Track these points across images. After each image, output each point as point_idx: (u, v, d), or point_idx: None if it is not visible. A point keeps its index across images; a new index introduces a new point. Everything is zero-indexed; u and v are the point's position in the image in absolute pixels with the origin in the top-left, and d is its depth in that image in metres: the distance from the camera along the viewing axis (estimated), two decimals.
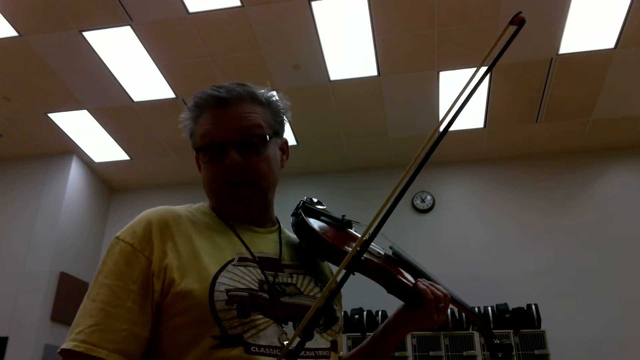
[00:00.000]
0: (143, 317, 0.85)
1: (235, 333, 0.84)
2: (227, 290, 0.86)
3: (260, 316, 0.87)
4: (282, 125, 1.07)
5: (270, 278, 0.94)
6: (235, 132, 0.97)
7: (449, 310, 5.35)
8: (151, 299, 0.86)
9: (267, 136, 1.00)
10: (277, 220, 1.10)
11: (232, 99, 0.99)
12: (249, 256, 0.95)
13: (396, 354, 5.20)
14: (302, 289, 0.98)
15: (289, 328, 0.90)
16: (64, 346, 0.82)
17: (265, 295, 0.90)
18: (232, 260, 0.92)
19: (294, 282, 0.97)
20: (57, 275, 5.99)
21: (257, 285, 0.91)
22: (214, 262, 0.90)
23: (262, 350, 0.85)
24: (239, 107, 0.99)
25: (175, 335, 0.85)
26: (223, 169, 0.96)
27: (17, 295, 5.81)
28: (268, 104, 1.03)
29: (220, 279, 0.87)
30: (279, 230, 1.08)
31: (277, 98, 1.07)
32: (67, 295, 6.01)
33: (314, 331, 0.94)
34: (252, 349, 0.84)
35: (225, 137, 0.96)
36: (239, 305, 0.86)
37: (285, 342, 0.87)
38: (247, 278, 0.91)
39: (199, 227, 0.96)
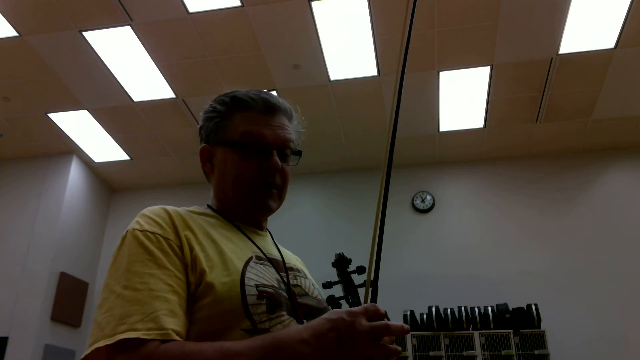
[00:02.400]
0: (186, 308, 0.82)
1: (263, 328, 0.84)
2: (257, 286, 0.87)
3: (284, 313, 0.89)
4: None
5: (285, 279, 0.97)
6: (280, 139, 1.02)
7: (449, 310, 5.32)
8: (188, 290, 0.84)
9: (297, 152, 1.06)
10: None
11: (281, 109, 1.04)
12: (263, 256, 0.97)
13: None
14: (306, 290, 1.01)
15: None
16: (124, 336, 0.74)
17: (284, 294, 0.92)
18: (252, 258, 0.93)
19: (299, 283, 1.01)
20: (57, 275, 5.98)
21: (276, 284, 0.93)
22: (237, 258, 0.90)
23: None
24: (282, 118, 1.05)
25: (202, 327, 0.83)
26: (260, 169, 0.99)
27: (17, 295, 5.80)
28: (296, 125, 1.10)
29: (247, 274, 0.88)
30: (271, 234, 1.11)
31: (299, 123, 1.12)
32: (67, 295, 6.01)
33: None
34: None
35: (273, 142, 1.00)
36: (268, 301, 0.87)
37: None
38: (268, 276, 0.92)
39: (209, 225, 0.96)
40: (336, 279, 1.02)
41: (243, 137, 0.99)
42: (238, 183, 0.99)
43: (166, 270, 0.82)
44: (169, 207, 0.94)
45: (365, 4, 4.35)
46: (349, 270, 1.04)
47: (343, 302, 0.97)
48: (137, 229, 0.87)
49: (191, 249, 0.87)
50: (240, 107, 1.02)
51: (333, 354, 0.74)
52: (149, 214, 0.90)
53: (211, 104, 1.06)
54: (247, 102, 1.02)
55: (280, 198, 1.04)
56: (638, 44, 4.71)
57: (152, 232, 0.86)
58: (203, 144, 1.04)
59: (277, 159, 1.00)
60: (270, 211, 1.03)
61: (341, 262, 1.04)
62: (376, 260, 0.87)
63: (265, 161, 0.99)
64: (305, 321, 0.92)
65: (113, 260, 0.86)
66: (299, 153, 1.07)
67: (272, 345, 0.75)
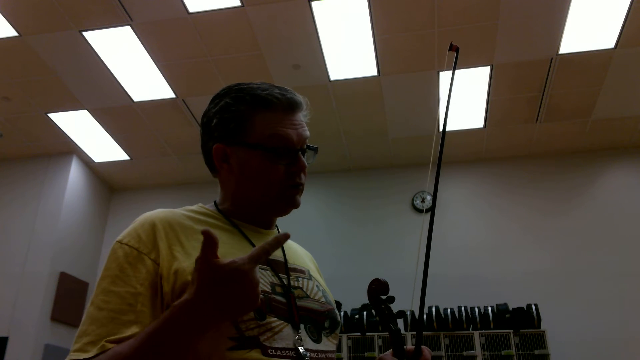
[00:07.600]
0: (152, 320, 0.82)
1: (251, 335, 0.83)
2: None
3: (275, 319, 0.87)
4: None
5: (285, 281, 0.95)
6: (302, 139, 1.00)
7: (449, 310, 5.28)
8: (160, 301, 0.84)
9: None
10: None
11: (301, 106, 1.02)
12: None
13: None
14: (308, 293, 0.99)
15: (301, 331, 0.90)
16: (73, 357, 0.79)
17: (279, 297, 0.90)
18: None
19: (300, 285, 0.98)
20: (57, 275, 5.98)
21: (269, 287, 0.90)
22: None
23: (278, 352, 0.84)
24: (301, 114, 1.03)
25: None
26: (288, 171, 0.98)
27: (17, 295, 5.81)
28: (304, 116, 1.07)
29: None
30: (278, 231, 1.09)
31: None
32: (67, 295, 6.01)
33: (322, 334, 0.95)
34: (269, 351, 0.83)
35: (298, 143, 0.99)
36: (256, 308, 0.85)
37: (300, 347, 0.87)
38: (260, 280, 0.90)
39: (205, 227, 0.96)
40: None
41: (271, 141, 0.96)
42: (268, 187, 0.98)
43: (131, 287, 0.84)
44: (160, 215, 0.94)
45: (365, 4, 4.35)
46: (383, 298, 1.03)
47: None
48: (119, 241, 0.90)
49: (174, 259, 0.87)
50: (262, 106, 0.98)
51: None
52: (136, 224, 0.92)
53: (226, 101, 1.00)
54: (271, 101, 0.98)
55: (301, 194, 1.04)
56: (638, 44, 4.71)
57: (129, 246, 0.88)
58: (217, 144, 0.99)
59: (303, 159, 1.00)
60: (291, 209, 1.03)
61: (377, 292, 1.03)
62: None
63: (292, 163, 0.98)
64: (303, 325, 0.90)
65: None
66: (316, 150, 1.06)
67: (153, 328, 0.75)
